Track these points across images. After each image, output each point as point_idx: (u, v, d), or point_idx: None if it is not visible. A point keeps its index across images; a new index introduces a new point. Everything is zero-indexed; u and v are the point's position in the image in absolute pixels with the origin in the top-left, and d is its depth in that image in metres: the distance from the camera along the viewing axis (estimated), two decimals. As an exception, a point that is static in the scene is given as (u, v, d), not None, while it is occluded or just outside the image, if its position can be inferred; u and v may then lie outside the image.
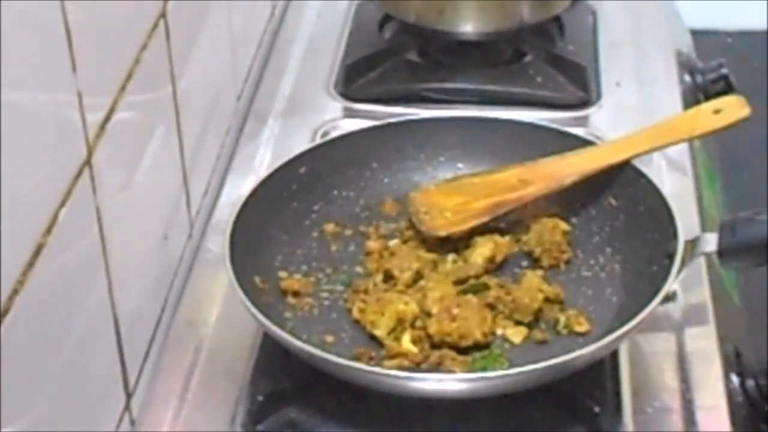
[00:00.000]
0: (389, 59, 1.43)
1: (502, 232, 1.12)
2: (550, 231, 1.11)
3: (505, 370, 0.98)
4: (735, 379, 1.06)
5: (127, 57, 0.98)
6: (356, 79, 1.41)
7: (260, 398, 1.01)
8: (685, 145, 1.28)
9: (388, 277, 1.08)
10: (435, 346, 1.02)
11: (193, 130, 1.17)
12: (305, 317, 1.06)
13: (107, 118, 0.93)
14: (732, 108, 1.12)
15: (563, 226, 1.11)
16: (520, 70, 1.40)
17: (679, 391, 1.02)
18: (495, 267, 1.09)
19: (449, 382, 0.97)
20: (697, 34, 1.66)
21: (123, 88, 0.96)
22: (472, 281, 1.07)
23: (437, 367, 1.00)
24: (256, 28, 1.45)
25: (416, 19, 1.42)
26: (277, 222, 1.12)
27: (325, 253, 1.13)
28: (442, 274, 1.08)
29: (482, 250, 1.09)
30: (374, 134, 1.19)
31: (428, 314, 1.03)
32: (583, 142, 1.15)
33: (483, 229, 1.11)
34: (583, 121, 1.32)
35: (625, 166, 1.11)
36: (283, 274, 1.10)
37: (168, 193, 1.12)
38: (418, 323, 1.03)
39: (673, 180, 1.24)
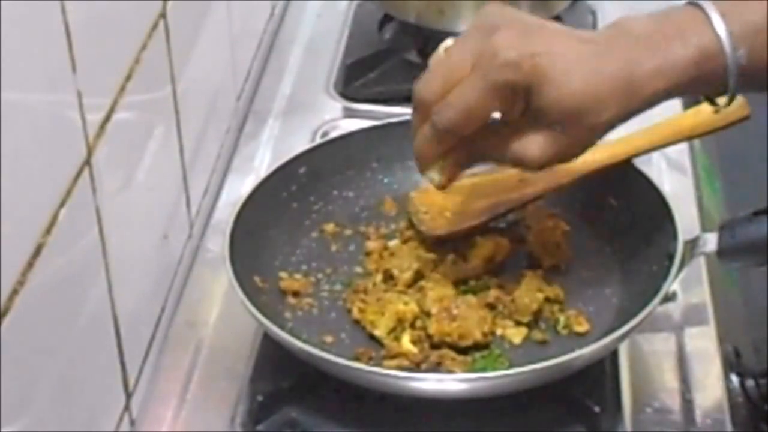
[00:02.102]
0: (389, 59, 1.43)
1: (502, 232, 1.12)
2: (550, 231, 1.11)
3: (505, 370, 0.98)
4: (735, 379, 1.06)
5: (127, 57, 0.98)
6: (356, 79, 1.41)
7: (260, 398, 1.01)
8: (685, 145, 1.28)
9: (388, 277, 1.08)
10: (435, 346, 1.02)
11: (193, 130, 1.17)
12: (305, 317, 1.06)
13: (107, 118, 0.93)
14: (732, 108, 1.12)
15: (563, 226, 1.11)
16: (520, 70, 1.40)
17: (679, 391, 1.02)
18: (495, 267, 1.09)
19: (449, 382, 0.97)
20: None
21: (123, 88, 0.96)
22: (472, 281, 1.07)
23: (437, 367, 1.00)
24: (256, 28, 1.45)
25: (416, 19, 1.42)
26: (277, 222, 1.12)
27: (325, 253, 1.13)
28: (442, 274, 1.08)
29: (482, 250, 1.09)
30: (374, 134, 1.19)
31: (428, 314, 1.03)
32: (583, 142, 1.15)
33: (483, 229, 1.11)
34: (583, 121, 1.32)
35: (625, 166, 1.11)
36: (283, 274, 1.10)
37: (168, 193, 1.12)
38: (418, 323, 1.03)
39: (673, 180, 1.24)
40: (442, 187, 1.00)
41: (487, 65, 0.91)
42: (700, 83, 0.93)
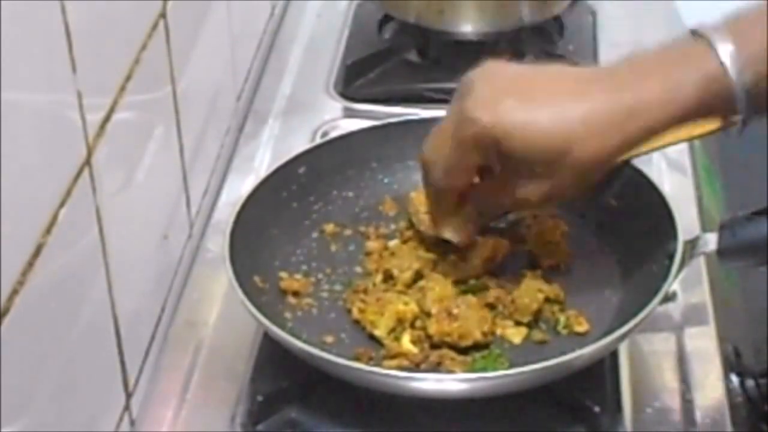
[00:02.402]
0: (389, 59, 1.43)
1: (502, 232, 1.12)
2: (550, 231, 1.11)
3: (505, 370, 0.98)
4: (735, 379, 1.06)
5: (127, 57, 0.98)
6: (356, 79, 1.41)
7: (260, 398, 1.01)
8: (685, 145, 1.28)
9: (388, 277, 1.08)
10: (435, 346, 1.02)
11: (193, 130, 1.17)
12: (305, 317, 1.06)
13: (107, 118, 0.93)
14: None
15: (563, 226, 1.11)
16: (520, 70, 1.40)
17: (679, 391, 1.02)
18: (495, 267, 1.09)
19: (449, 382, 0.97)
20: (697, 34, 1.65)
21: (123, 88, 0.96)
22: (472, 281, 1.07)
23: (437, 367, 1.00)
24: (256, 28, 1.45)
25: (416, 19, 1.42)
26: (277, 222, 1.12)
27: (325, 253, 1.13)
28: (442, 274, 1.08)
29: (482, 250, 1.09)
30: (374, 134, 1.19)
31: (428, 314, 1.03)
32: (583, 142, 1.15)
33: (483, 229, 1.11)
34: (583, 121, 1.32)
35: (625, 166, 1.11)
36: (283, 274, 1.10)
37: (168, 193, 1.12)
38: (418, 323, 1.03)
39: (673, 180, 1.24)
40: (463, 245, 1.06)
41: (457, 124, 0.96)
42: (708, 108, 0.93)
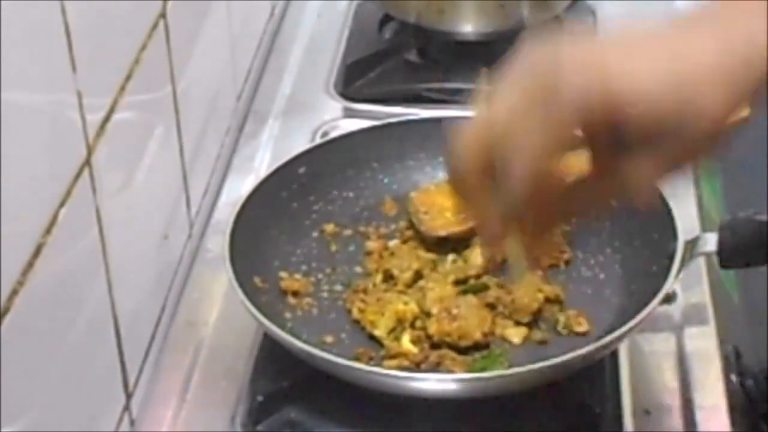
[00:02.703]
0: (389, 59, 1.43)
1: (501, 232, 1.12)
2: (550, 231, 1.11)
3: (505, 370, 0.98)
4: (735, 379, 1.06)
5: (127, 57, 0.98)
6: (356, 79, 1.41)
7: (260, 398, 1.01)
8: (685, 145, 1.27)
9: (388, 277, 1.08)
10: (435, 346, 1.02)
11: (193, 130, 1.17)
12: (305, 317, 1.06)
13: (107, 118, 0.93)
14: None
15: (563, 226, 1.11)
16: (520, 70, 1.40)
17: (679, 391, 1.02)
18: (495, 267, 1.09)
19: (449, 382, 0.97)
20: (696, 34, 1.65)
21: (123, 88, 0.96)
22: (472, 281, 1.07)
23: (437, 367, 1.00)
24: (255, 28, 1.45)
25: (416, 19, 1.42)
26: (277, 222, 1.12)
27: (325, 253, 1.13)
28: (442, 274, 1.08)
29: (482, 250, 1.09)
30: (374, 134, 1.19)
31: (428, 314, 1.03)
32: (583, 142, 1.15)
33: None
34: (583, 121, 1.32)
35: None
36: (283, 274, 1.10)
37: (168, 193, 1.12)
38: (418, 323, 1.03)
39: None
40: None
41: (548, 97, 0.75)
42: None
